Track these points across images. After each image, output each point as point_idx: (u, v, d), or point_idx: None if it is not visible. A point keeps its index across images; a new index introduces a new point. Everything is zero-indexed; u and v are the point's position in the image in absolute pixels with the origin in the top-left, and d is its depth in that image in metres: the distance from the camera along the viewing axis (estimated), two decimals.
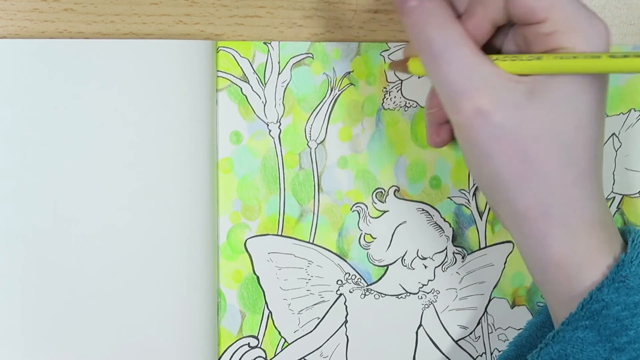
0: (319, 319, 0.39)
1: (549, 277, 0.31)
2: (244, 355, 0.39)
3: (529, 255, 0.31)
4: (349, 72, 0.39)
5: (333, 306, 0.40)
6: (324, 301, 0.39)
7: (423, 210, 0.40)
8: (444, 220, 0.40)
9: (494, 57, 0.30)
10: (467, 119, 0.29)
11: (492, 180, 0.30)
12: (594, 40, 0.28)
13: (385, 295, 0.40)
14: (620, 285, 0.29)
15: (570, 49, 0.28)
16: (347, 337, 0.40)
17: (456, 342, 0.40)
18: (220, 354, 0.39)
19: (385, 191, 0.40)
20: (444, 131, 0.35)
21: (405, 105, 0.40)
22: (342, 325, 0.40)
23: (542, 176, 0.29)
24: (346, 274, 0.40)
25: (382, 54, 0.39)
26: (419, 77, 0.38)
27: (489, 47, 0.32)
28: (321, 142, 0.39)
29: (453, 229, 0.40)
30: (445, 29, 0.30)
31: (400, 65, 0.35)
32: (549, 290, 0.31)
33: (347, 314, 0.40)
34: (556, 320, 0.31)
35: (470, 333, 0.41)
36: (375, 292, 0.40)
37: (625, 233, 0.31)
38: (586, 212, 0.29)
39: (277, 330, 0.39)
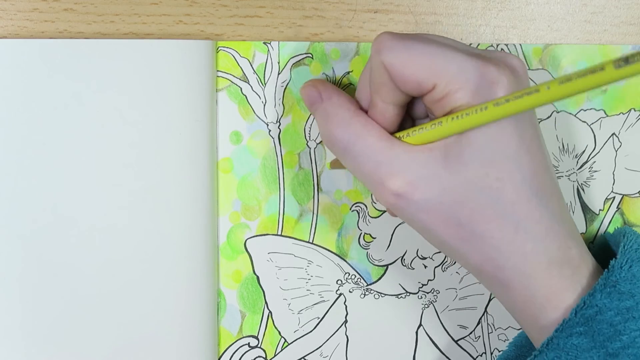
0: (319, 319, 0.39)
1: (517, 316, 0.31)
2: (244, 355, 0.39)
3: (497, 297, 0.32)
4: (349, 72, 0.39)
5: (333, 306, 0.40)
6: (323, 301, 0.39)
7: None
8: None
9: (404, 133, 0.31)
10: (392, 203, 0.30)
11: (441, 246, 0.31)
12: (485, 90, 0.28)
13: (385, 295, 0.40)
14: (612, 290, 0.29)
15: (465, 106, 0.29)
16: (347, 337, 0.40)
17: (456, 342, 0.40)
18: (220, 354, 0.39)
19: None
20: None
21: None
22: (342, 325, 0.40)
23: (480, 235, 0.29)
24: (346, 273, 0.40)
25: None
26: None
27: (408, 124, 0.33)
28: (320, 142, 0.39)
29: None
30: (347, 125, 0.31)
31: (338, 162, 0.37)
32: (520, 324, 0.32)
33: (347, 314, 0.40)
34: (534, 343, 0.32)
35: (470, 333, 0.41)
36: (375, 292, 0.40)
37: (620, 236, 0.32)
38: (538, 255, 0.29)
39: (277, 330, 0.39)
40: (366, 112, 0.33)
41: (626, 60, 0.24)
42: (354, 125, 0.31)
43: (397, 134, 0.32)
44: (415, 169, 0.30)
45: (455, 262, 0.40)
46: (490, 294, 0.41)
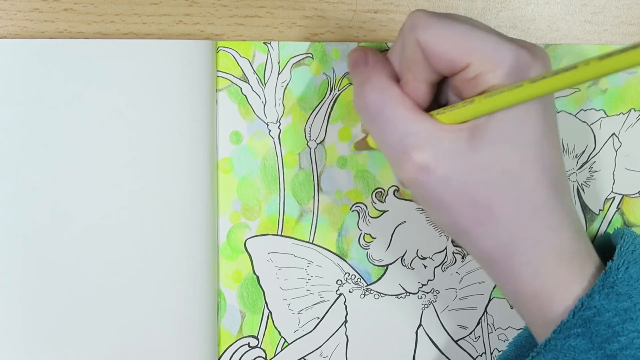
0: (319, 319, 0.39)
1: (523, 308, 0.31)
2: (244, 355, 0.39)
3: (503, 289, 0.31)
4: (349, 72, 0.39)
5: (333, 306, 0.40)
6: (323, 301, 0.39)
7: (423, 210, 0.40)
8: None
9: (435, 112, 0.31)
10: (412, 176, 0.30)
11: (452, 227, 0.31)
12: (519, 71, 0.28)
13: (385, 295, 0.40)
14: (610, 291, 0.29)
15: (498, 86, 0.29)
16: (346, 337, 0.40)
17: (456, 342, 0.40)
18: (220, 354, 0.39)
19: (384, 191, 0.40)
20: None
21: None
22: (342, 325, 0.40)
23: (496, 218, 0.29)
24: (346, 273, 0.40)
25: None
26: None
27: (437, 104, 0.33)
28: (321, 142, 0.39)
29: None
30: (382, 91, 0.31)
31: (362, 143, 0.37)
32: (525, 317, 0.32)
33: (346, 314, 0.40)
34: (536, 338, 0.32)
35: (470, 333, 0.41)
36: (375, 292, 0.40)
37: (617, 237, 0.31)
38: (549, 245, 0.29)
39: (277, 330, 0.39)
40: None
41: None
42: (391, 93, 0.31)
43: (431, 113, 0.31)
44: (442, 145, 0.29)
45: (455, 262, 0.40)
46: (491, 294, 0.41)
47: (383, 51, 0.39)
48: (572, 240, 0.30)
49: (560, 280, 0.29)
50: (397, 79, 0.32)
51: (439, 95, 0.33)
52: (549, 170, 0.29)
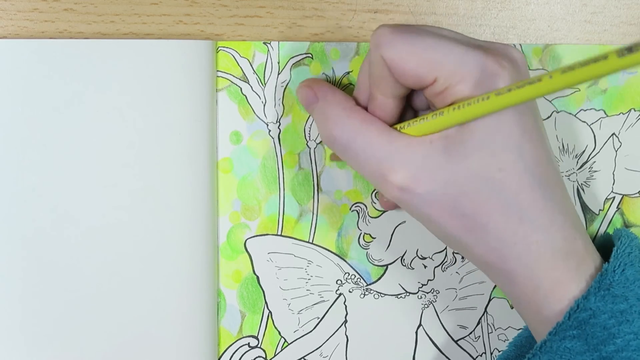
0: (319, 319, 0.39)
1: (520, 307, 0.31)
2: (244, 355, 0.39)
3: (501, 289, 0.32)
4: (349, 72, 0.39)
5: (333, 306, 0.40)
6: (323, 301, 0.39)
7: None
8: None
9: (404, 124, 0.31)
10: (396, 197, 0.30)
11: (445, 237, 0.31)
12: (486, 82, 0.28)
13: (385, 295, 0.40)
14: (606, 293, 0.29)
15: (468, 97, 0.29)
16: (346, 337, 0.40)
17: (456, 342, 0.40)
18: (220, 354, 0.39)
19: None
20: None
21: None
22: (342, 325, 0.40)
23: (484, 225, 0.29)
24: (346, 273, 0.40)
25: None
26: None
27: (409, 115, 0.33)
28: (320, 142, 0.39)
29: None
30: (345, 122, 0.31)
31: (337, 156, 0.37)
32: (523, 316, 0.32)
33: (346, 314, 0.40)
34: (536, 337, 0.32)
35: (470, 333, 0.41)
36: (375, 292, 0.40)
37: (615, 239, 0.31)
38: (543, 246, 0.29)
39: (277, 330, 0.39)
40: (365, 107, 0.33)
41: (629, 49, 0.23)
42: (352, 123, 0.31)
43: (397, 126, 0.31)
44: (416, 162, 0.29)
45: (455, 262, 0.40)
46: (491, 294, 0.41)
47: None
48: (567, 239, 0.30)
49: (556, 280, 0.29)
50: (354, 102, 0.32)
51: (412, 104, 0.33)
52: (532, 172, 0.29)
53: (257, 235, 0.39)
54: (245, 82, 0.38)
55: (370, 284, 0.40)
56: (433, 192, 0.29)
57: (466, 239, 0.30)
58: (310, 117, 0.39)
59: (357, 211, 0.39)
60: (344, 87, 0.39)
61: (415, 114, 0.34)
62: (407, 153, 0.30)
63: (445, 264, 0.40)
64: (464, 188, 0.29)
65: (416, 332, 0.40)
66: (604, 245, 0.35)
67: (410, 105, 0.33)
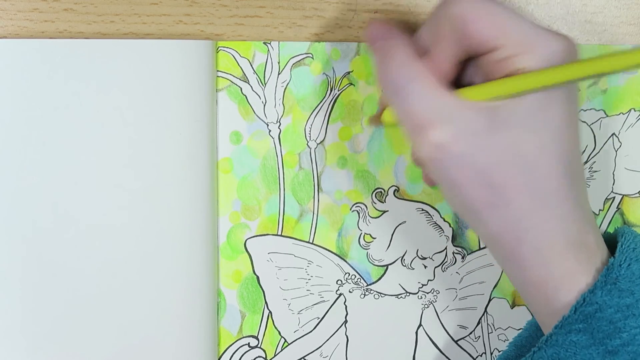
0: (319, 319, 0.39)
1: (528, 295, 0.31)
2: (244, 355, 0.39)
3: (509, 274, 0.31)
4: (349, 72, 0.39)
5: (333, 306, 0.40)
6: (323, 301, 0.39)
7: (423, 210, 0.40)
8: (444, 220, 0.40)
9: (460, 89, 0.31)
10: (429, 152, 0.30)
11: (464, 207, 0.31)
12: (549, 58, 0.29)
13: (385, 295, 0.40)
14: (612, 287, 0.29)
15: (527, 69, 0.29)
16: (346, 337, 0.40)
17: (456, 342, 0.40)
18: (220, 354, 0.39)
19: (384, 191, 0.40)
20: None
21: None
22: (342, 325, 0.40)
23: (508, 201, 0.29)
24: (346, 273, 0.40)
25: None
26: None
27: (461, 83, 0.32)
28: (321, 142, 0.39)
29: (453, 229, 0.40)
30: (406, 65, 0.31)
31: (377, 118, 0.37)
32: (530, 304, 0.32)
33: (346, 314, 0.40)
34: (542, 327, 0.32)
35: (470, 333, 0.41)
36: (375, 292, 0.40)
37: (618, 235, 0.31)
38: (558, 234, 0.29)
39: (277, 330, 0.39)
40: None
41: None
42: (412, 68, 0.31)
43: (454, 90, 0.31)
44: (459, 123, 0.29)
45: (455, 262, 0.40)
46: (491, 294, 0.41)
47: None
48: (581, 232, 0.30)
49: (566, 271, 0.29)
50: (416, 51, 0.32)
51: (462, 77, 0.33)
52: (565, 160, 0.29)
53: (257, 235, 0.39)
54: (246, 82, 0.38)
55: (370, 284, 0.40)
56: (467, 156, 0.29)
57: (485, 213, 0.30)
58: (311, 117, 0.39)
59: (357, 211, 0.39)
60: (344, 87, 0.39)
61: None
62: (454, 112, 0.30)
63: (446, 264, 0.40)
64: (498, 159, 0.29)
65: (416, 332, 0.40)
66: (607, 243, 0.35)
67: (460, 80, 0.33)
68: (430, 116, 0.30)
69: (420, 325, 0.40)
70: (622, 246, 0.30)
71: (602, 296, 0.28)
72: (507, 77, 0.29)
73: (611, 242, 0.32)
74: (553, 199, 0.29)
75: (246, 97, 0.38)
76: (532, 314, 0.33)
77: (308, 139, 0.39)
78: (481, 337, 0.41)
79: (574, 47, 0.30)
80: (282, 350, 0.39)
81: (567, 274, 0.29)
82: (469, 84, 0.33)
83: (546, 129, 0.29)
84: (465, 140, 0.29)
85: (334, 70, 0.39)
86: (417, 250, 0.40)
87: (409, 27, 0.35)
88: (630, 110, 0.41)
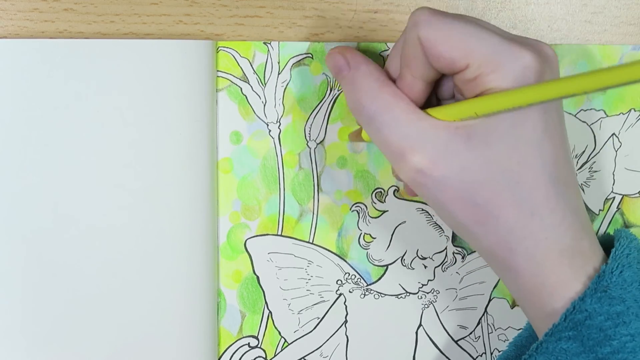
0: (319, 319, 0.39)
1: (524, 302, 0.31)
2: (244, 355, 0.39)
3: (506, 283, 0.32)
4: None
5: (333, 306, 0.40)
6: (323, 301, 0.39)
7: (423, 210, 0.40)
8: None
9: (431, 109, 0.31)
10: (411, 178, 0.30)
11: (453, 225, 0.31)
12: (518, 75, 0.28)
13: (385, 295, 0.40)
14: (603, 295, 0.28)
15: (497, 89, 0.28)
16: (347, 337, 0.40)
17: (456, 342, 0.40)
18: (220, 354, 0.39)
19: (384, 191, 0.40)
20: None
21: None
22: (342, 325, 0.40)
23: (496, 217, 0.29)
24: (346, 273, 0.40)
25: (382, 54, 0.39)
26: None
27: (440, 96, 0.33)
28: (321, 142, 0.39)
29: None
30: (376, 94, 0.31)
31: (357, 135, 0.37)
32: (526, 311, 0.32)
33: (347, 314, 0.40)
34: (538, 333, 0.32)
35: (470, 333, 0.41)
36: (375, 292, 0.40)
37: (615, 239, 0.31)
38: (551, 243, 0.29)
39: (277, 330, 0.39)
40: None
41: None
42: (383, 96, 0.31)
43: (427, 110, 0.31)
44: (437, 146, 0.29)
45: (455, 262, 0.40)
46: (491, 294, 0.41)
47: (382, 51, 0.39)
48: (575, 238, 0.30)
49: (560, 278, 0.29)
50: (386, 75, 0.32)
51: (435, 94, 0.33)
52: (549, 170, 0.29)
53: (257, 235, 0.39)
54: (246, 82, 0.38)
55: (370, 284, 0.40)
56: (449, 178, 0.29)
57: (476, 229, 0.30)
58: (311, 117, 0.39)
59: (357, 211, 0.39)
60: None
61: (439, 103, 0.34)
62: (430, 135, 0.30)
63: (446, 264, 0.40)
64: (480, 177, 0.29)
65: (416, 332, 0.40)
66: (605, 246, 0.35)
67: (436, 94, 0.33)
68: (407, 143, 0.30)
69: (420, 325, 0.40)
70: (615, 252, 0.30)
71: (592, 304, 0.28)
72: (478, 96, 0.29)
73: (609, 245, 0.32)
74: (542, 209, 0.29)
75: (246, 97, 0.38)
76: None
77: (308, 139, 0.39)
78: (481, 337, 0.41)
79: (548, 59, 0.29)
80: (282, 350, 0.39)
81: (561, 281, 0.29)
82: (449, 98, 0.33)
83: (525, 143, 0.29)
84: (445, 162, 0.29)
85: None
86: (417, 250, 0.40)
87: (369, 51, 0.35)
88: (630, 110, 0.41)
